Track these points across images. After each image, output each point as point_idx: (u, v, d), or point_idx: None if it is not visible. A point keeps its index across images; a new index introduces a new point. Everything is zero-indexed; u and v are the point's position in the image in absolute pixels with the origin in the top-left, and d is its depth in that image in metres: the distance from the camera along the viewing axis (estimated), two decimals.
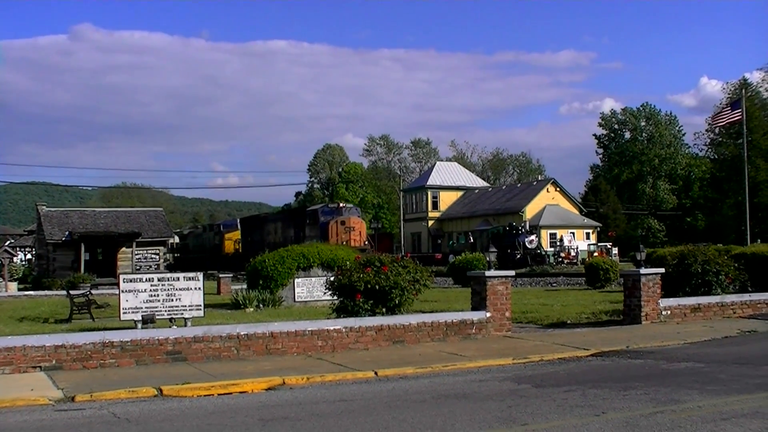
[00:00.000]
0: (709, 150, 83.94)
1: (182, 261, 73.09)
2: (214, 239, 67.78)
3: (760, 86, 74.62)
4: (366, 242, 48.07)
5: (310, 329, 13.37)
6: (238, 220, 69.66)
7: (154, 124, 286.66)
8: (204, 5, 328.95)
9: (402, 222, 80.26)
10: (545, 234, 61.12)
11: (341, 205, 50.74)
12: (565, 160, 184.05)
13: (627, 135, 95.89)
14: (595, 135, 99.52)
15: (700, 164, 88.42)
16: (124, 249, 44.33)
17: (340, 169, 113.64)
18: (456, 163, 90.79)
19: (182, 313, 15.30)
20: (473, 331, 14.87)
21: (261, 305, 21.95)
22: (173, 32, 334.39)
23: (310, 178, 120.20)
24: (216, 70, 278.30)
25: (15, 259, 49.15)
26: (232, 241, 63.31)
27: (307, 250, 24.11)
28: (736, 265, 19.17)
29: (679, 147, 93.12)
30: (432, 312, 16.75)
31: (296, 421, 8.19)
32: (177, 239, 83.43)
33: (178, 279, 15.65)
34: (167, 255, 78.75)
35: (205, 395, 9.84)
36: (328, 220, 46.83)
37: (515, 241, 46.57)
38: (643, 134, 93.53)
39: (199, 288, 15.56)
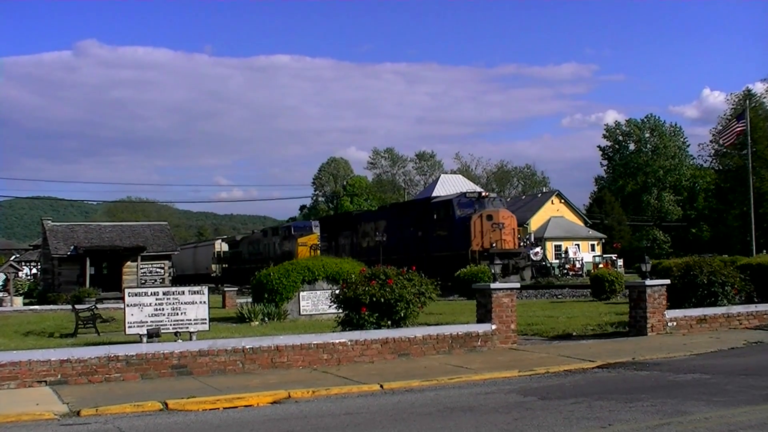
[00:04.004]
0: (714, 161, 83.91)
1: (235, 273, 60.81)
2: (282, 245, 55.93)
3: (764, 97, 74.69)
4: (521, 243, 38.18)
5: (315, 342, 13.36)
6: (314, 221, 59.17)
7: (158, 139, 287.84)
8: (207, 21, 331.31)
9: None
10: (550, 246, 61.15)
11: (484, 194, 39.07)
12: (569, 172, 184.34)
13: (631, 146, 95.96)
14: (599, 146, 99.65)
15: (705, 175, 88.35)
16: (129, 263, 44.40)
17: (345, 182, 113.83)
18: (460, 176, 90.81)
19: (187, 327, 15.29)
20: (479, 343, 14.84)
21: (266, 319, 21.95)
22: (177, 47, 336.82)
23: (315, 191, 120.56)
24: (219, 85, 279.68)
25: (20, 273, 49.15)
26: (307, 247, 51.63)
27: (312, 263, 24.17)
28: (742, 276, 19.11)
29: (683, 158, 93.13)
30: (437, 324, 16.72)
31: None
32: (226, 247, 72.97)
33: (183, 293, 15.65)
34: (213, 266, 70.56)
35: (210, 409, 9.83)
36: (469, 214, 36.29)
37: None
38: (648, 146, 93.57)
39: (204, 302, 15.55)
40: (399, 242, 40.39)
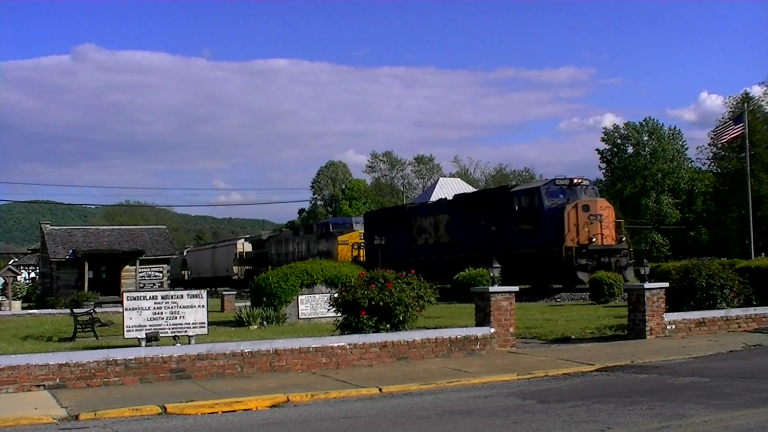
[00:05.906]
0: (712, 164, 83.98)
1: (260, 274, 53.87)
2: (318, 245, 50.81)
3: (762, 100, 74.72)
4: (623, 238, 32.40)
5: (314, 346, 13.35)
6: (355, 218, 53.79)
7: (157, 143, 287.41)
8: (205, 25, 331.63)
9: None
10: None
11: (576, 180, 33.19)
12: (566, 175, 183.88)
13: (630, 150, 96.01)
14: (597, 150, 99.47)
15: (703, 178, 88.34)
16: (127, 267, 44.33)
17: (344, 186, 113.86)
18: (459, 179, 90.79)
19: (186, 331, 15.29)
20: (477, 347, 14.83)
21: (265, 322, 21.93)
22: (175, 52, 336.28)
23: (314, 195, 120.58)
24: (218, 89, 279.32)
25: (19, 277, 49.13)
26: (348, 245, 47.07)
27: (310, 267, 24.20)
28: (741, 279, 19.12)
29: (682, 161, 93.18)
30: (436, 328, 16.71)
31: None
32: (249, 247, 66.88)
33: (182, 296, 15.66)
34: (235, 268, 65.17)
35: (209, 413, 9.82)
36: (561, 204, 31.52)
37: None
38: (646, 149, 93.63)
39: (203, 305, 15.56)
40: (467, 239, 35.83)
